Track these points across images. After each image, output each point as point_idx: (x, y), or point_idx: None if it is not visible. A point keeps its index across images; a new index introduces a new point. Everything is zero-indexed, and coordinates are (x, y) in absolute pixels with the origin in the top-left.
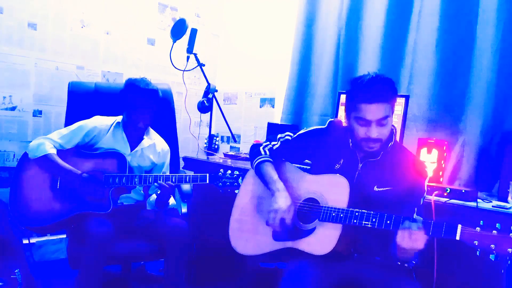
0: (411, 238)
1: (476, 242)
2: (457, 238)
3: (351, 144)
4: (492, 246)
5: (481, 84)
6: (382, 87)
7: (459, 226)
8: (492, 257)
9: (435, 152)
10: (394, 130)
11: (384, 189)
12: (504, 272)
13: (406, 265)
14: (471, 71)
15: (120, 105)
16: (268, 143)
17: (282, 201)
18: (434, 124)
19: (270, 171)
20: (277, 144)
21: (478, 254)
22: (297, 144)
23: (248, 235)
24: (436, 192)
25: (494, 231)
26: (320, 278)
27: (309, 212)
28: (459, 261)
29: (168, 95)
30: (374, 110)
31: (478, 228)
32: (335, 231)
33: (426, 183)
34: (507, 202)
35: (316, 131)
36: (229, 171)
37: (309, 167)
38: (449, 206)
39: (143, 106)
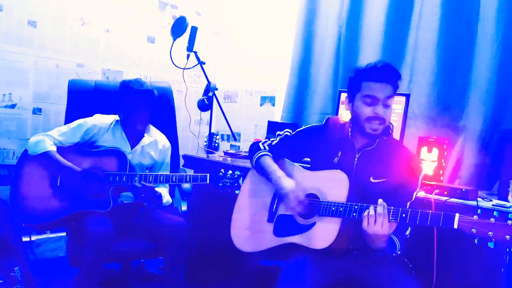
0: (376, 224)
1: (474, 230)
2: (455, 226)
3: (350, 134)
4: (490, 233)
5: (481, 82)
6: (391, 69)
7: (457, 215)
8: (490, 244)
9: (435, 151)
10: (391, 125)
11: (380, 180)
12: (504, 270)
13: (378, 253)
14: (471, 70)
15: (116, 106)
16: (267, 139)
17: (288, 183)
18: (434, 122)
19: (269, 163)
20: (275, 140)
21: (476, 242)
22: (295, 141)
23: (250, 232)
24: (436, 191)
25: (492, 219)
26: (319, 275)
27: (309, 207)
28: (459, 258)
29: (168, 93)
30: (383, 88)
31: (475, 217)
32: (334, 225)
33: (420, 178)
34: (507, 201)
35: (314, 128)
36: (230, 171)
37: (308, 166)
38: (449, 205)
39: (139, 107)
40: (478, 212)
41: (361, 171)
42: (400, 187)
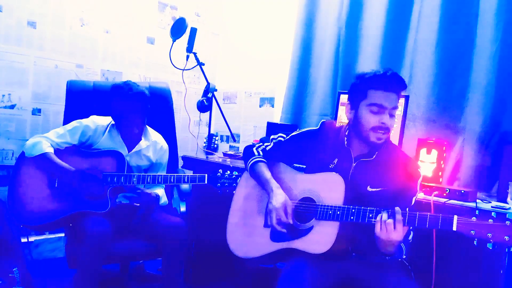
0: (388, 230)
1: (473, 232)
2: (454, 229)
3: (346, 143)
4: (489, 234)
5: (480, 84)
6: (399, 78)
7: (455, 217)
8: (489, 245)
9: (434, 152)
10: None
11: (377, 189)
12: (503, 271)
13: (387, 257)
14: (470, 71)
15: (108, 111)
16: (261, 144)
17: (276, 200)
18: (433, 124)
19: (264, 171)
20: (270, 145)
21: (475, 243)
22: (290, 145)
23: (246, 238)
24: (435, 193)
25: (490, 220)
26: (318, 277)
27: (306, 211)
28: (457, 260)
29: (167, 93)
30: (391, 97)
31: (474, 218)
32: (332, 229)
33: (419, 183)
34: (506, 202)
35: (309, 132)
36: (228, 172)
37: (304, 166)
38: (448, 206)
39: (131, 111)
40: (476, 213)
41: (358, 180)
42: (399, 194)
